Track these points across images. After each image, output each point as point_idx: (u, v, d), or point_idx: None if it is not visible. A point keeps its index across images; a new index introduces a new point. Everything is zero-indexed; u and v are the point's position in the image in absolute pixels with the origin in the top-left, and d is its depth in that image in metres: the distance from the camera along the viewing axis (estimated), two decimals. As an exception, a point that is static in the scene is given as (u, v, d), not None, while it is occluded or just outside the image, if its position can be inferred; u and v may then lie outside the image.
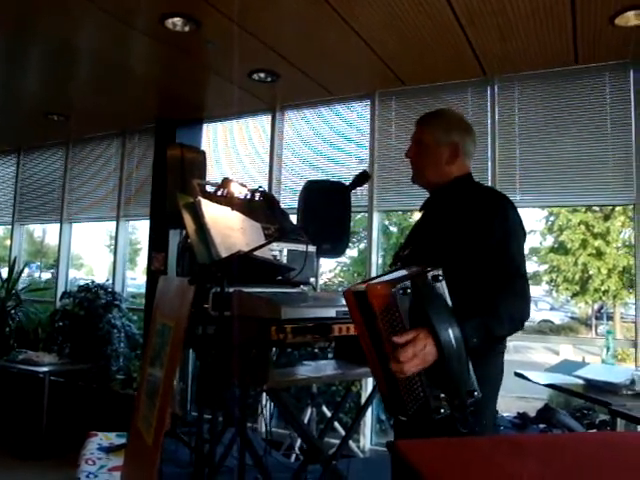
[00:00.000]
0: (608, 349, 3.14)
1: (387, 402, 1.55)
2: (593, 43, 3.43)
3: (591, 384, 2.76)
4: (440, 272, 1.43)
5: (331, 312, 2.23)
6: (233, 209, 2.67)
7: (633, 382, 2.57)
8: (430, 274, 1.42)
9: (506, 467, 0.98)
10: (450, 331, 1.40)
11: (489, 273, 1.60)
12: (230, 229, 2.49)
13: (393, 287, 1.39)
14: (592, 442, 1.26)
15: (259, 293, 2.29)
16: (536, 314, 12.91)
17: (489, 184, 3.94)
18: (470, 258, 1.63)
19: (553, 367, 3.25)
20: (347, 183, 2.17)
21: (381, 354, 1.45)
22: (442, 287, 1.43)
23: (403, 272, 1.51)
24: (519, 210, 1.76)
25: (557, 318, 12.80)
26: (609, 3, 2.94)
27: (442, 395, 1.41)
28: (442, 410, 1.41)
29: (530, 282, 1.67)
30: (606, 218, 10.45)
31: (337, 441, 3.03)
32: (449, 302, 1.44)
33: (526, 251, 1.81)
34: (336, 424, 3.97)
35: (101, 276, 8.47)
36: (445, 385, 1.41)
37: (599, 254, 10.35)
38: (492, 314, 1.51)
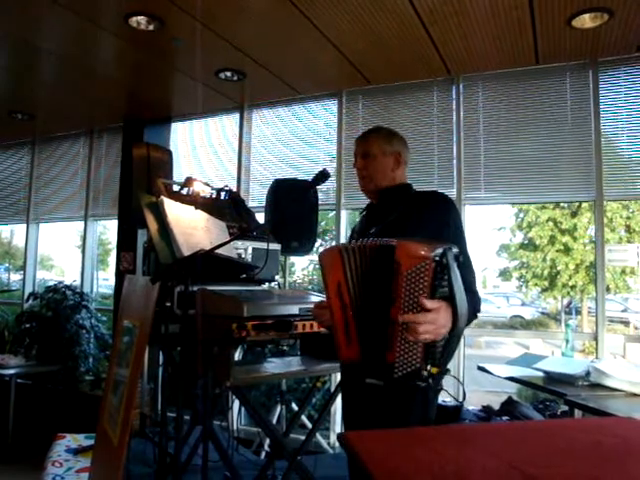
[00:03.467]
0: (567, 342, 3.24)
1: (357, 367, 1.56)
2: (553, 44, 3.52)
3: (550, 376, 2.84)
4: (459, 252, 1.47)
5: (294, 309, 2.26)
6: (197, 208, 2.67)
7: (588, 373, 2.65)
8: (454, 250, 1.45)
9: (457, 460, 1.01)
10: (465, 309, 1.46)
11: None
12: (193, 228, 2.49)
13: (432, 251, 1.39)
14: (530, 428, 1.31)
15: (223, 291, 2.31)
16: (507, 310, 13.14)
17: (454, 181, 4.03)
18: None
19: (514, 360, 3.33)
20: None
21: (373, 312, 1.48)
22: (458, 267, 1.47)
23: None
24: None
25: (528, 313, 13.03)
26: (565, 6, 3.02)
27: (430, 367, 1.45)
28: (430, 380, 1.45)
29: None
30: (573, 215, 10.67)
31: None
32: None
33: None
34: (306, 421, 4.00)
35: (72, 277, 8.35)
36: (438, 357, 1.46)
37: (567, 250, 10.58)
38: (472, 293, 1.63)
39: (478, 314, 1.74)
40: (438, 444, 1.09)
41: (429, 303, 1.39)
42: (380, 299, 1.46)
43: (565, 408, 3.34)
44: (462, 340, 3.82)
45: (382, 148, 1.98)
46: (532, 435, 1.19)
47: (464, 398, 1.82)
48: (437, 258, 1.39)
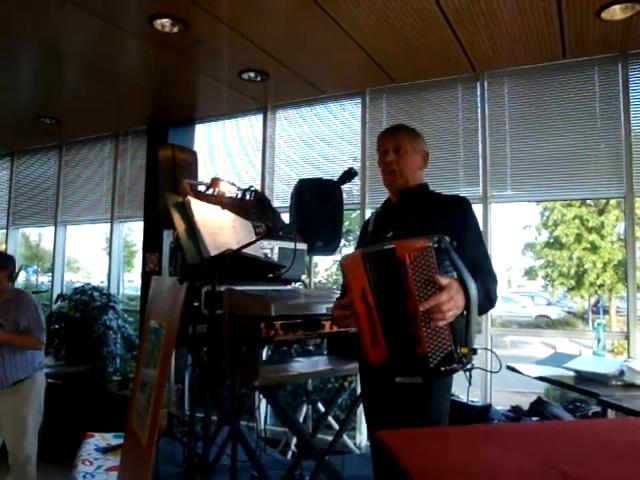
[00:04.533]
0: (599, 341, 3.17)
1: (386, 369, 1.59)
2: (581, 38, 3.45)
3: (581, 375, 2.78)
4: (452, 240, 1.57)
5: (322, 308, 2.25)
6: (224, 208, 2.68)
7: (622, 373, 2.59)
8: (447, 239, 1.55)
9: (486, 457, 1.00)
10: (473, 284, 1.54)
11: (472, 255, 1.73)
12: (220, 228, 2.50)
13: (428, 241, 1.51)
14: (560, 429, 1.29)
15: (250, 291, 2.31)
16: (533, 309, 12.94)
17: (480, 179, 3.98)
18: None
19: (544, 359, 3.27)
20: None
21: (395, 312, 1.53)
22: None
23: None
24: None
25: (554, 313, 12.81)
26: (595, -3, 2.96)
27: (459, 348, 1.51)
28: (464, 360, 1.51)
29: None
30: (600, 212, 10.45)
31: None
32: None
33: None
34: (332, 421, 3.99)
35: (98, 279, 8.47)
36: (463, 337, 1.52)
37: (594, 248, 10.36)
38: (487, 277, 1.72)
39: (495, 303, 1.77)
40: (470, 444, 1.07)
41: (442, 279, 1.48)
42: (399, 298, 1.53)
43: (596, 409, 3.27)
44: (490, 340, 3.77)
45: (412, 145, 2.00)
46: (565, 435, 1.17)
47: (500, 367, 1.88)
48: (435, 245, 1.50)
